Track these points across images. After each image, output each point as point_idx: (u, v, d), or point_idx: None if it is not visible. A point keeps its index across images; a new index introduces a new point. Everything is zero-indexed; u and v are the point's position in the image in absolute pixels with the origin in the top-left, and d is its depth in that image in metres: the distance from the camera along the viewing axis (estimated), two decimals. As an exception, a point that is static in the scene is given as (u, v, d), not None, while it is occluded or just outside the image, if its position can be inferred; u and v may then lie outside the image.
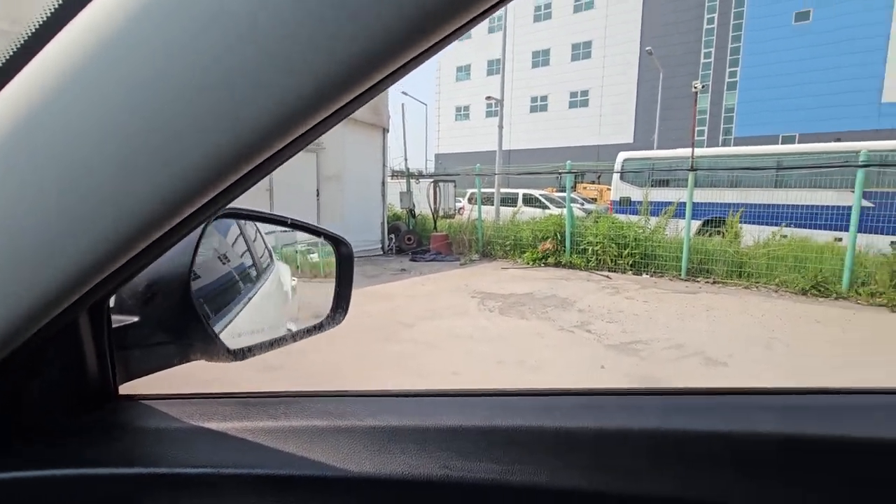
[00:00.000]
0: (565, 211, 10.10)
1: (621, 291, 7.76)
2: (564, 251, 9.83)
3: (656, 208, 9.61)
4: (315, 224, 0.83)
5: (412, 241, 11.52)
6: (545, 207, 14.08)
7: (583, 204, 15.67)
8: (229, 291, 0.81)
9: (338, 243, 0.82)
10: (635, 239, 9.12)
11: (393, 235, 11.85)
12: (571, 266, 9.57)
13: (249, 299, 0.86)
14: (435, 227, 12.11)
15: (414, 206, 12.29)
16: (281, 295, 1.06)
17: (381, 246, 11.72)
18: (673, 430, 0.49)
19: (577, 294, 7.49)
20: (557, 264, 9.79)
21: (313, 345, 1.24)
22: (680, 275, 8.61)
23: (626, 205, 12.47)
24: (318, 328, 0.83)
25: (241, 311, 0.81)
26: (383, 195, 11.87)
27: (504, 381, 4.17)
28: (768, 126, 32.28)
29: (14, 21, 5.21)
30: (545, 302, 7.03)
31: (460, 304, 6.89)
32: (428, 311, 6.38)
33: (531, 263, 9.94)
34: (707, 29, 37.79)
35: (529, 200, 15.07)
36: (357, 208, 10.89)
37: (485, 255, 11.02)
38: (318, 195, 10.15)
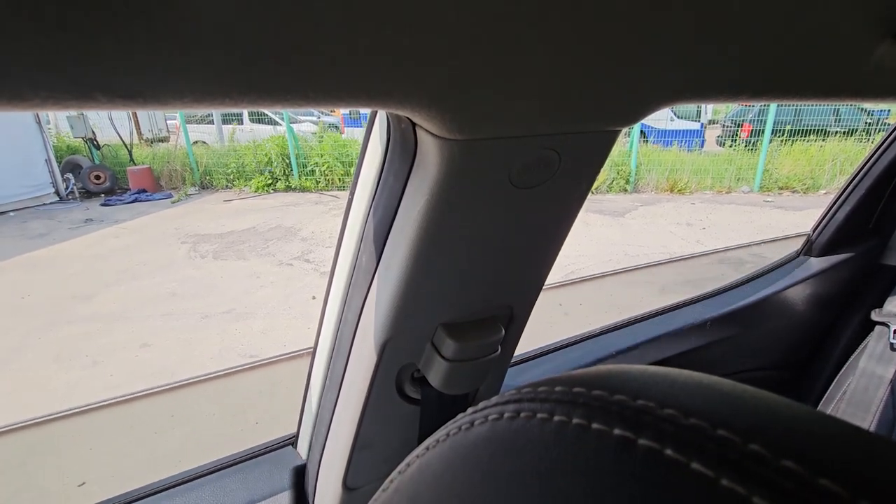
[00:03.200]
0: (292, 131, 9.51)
1: (347, 211, 8.03)
2: (293, 174, 9.44)
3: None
4: None
5: (102, 180, 9.23)
6: (275, 123, 13.00)
7: (319, 117, 15.04)
8: None
9: None
10: (358, 154, 9.35)
11: (71, 175, 9.23)
12: (302, 189, 9.32)
13: None
14: (132, 159, 9.90)
15: (94, 133, 9.66)
16: None
17: (55, 190, 9.04)
18: None
19: (303, 221, 7.41)
20: (288, 188, 9.39)
21: None
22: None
23: (356, 117, 12.55)
24: None
25: None
26: (38, 119, 8.89)
27: (208, 337, 3.91)
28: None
29: None
30: (268, 235, 6.74)
31: (166, 254, 6.01)
32: (119, 273, 5.37)
33: (259, 191, 9.26)
34: None
35: (261, 116, 13.60)
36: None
37: (205, 187, 9.72)
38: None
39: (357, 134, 11.37)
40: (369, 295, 0.51)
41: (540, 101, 0.38)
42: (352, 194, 0.52)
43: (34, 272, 5.47)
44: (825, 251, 1.23)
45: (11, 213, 8.03)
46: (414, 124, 0.40)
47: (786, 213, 7.64)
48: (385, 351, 0.51)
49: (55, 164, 9.06)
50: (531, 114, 0.38)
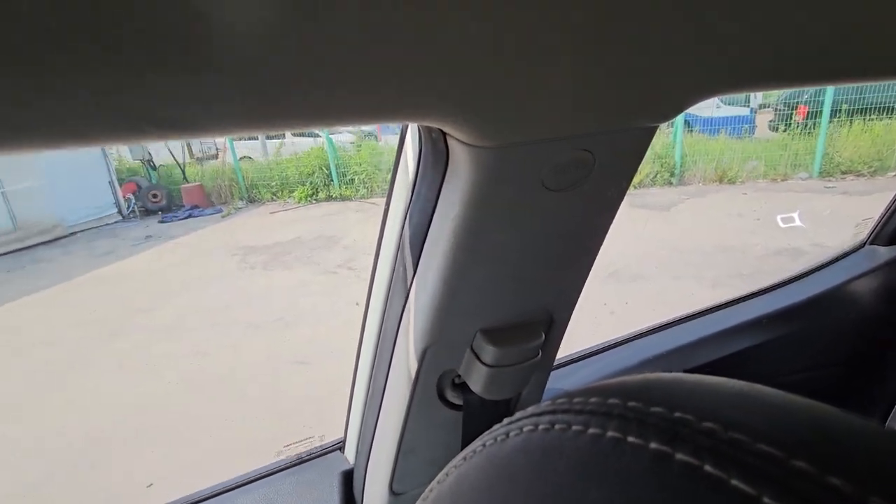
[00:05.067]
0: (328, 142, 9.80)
1: (387, 217, 8.15)
2: (334, 184, 9.70)
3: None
4: None
5: (159, 198, 9.83)
6: (315, 135, 13.44)
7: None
8: None
9: None
10: (396, 162, 9.51)
11: (132, 195, 9.89)
12: (342, 198, 9.55)
13: None
14: (185, 177, 10.48)
15: (150, 154, 10.31)
16: None
17: (118, 210, 9.71)
18: None
19: (345, 229, 7.59)
20: (329, 198, 9.65)
21: None
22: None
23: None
24: None
25: None
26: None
27: (258, 346, 4.07)
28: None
29: None
30: (312, 245, 6.95)
31: (218, 266, 6.32)
32: (176, 286, 5.69)
33: (302, 202, 9.58)
34: None
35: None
36: (64, 165, 8.62)
37: (251, 201, 10.15)
38: (-6, 161, 7.63)
39: (393, 141, 11.55)
40: (408, 302, 0.52)
41: (571, 101, 0.37)
42: (387, 204, 0.53)
43: (101, 288, 5.89)
44: (895, 239, 1.13)
45: (80, 234, 8.69)
46: (444, 133, 0.41)
47: (849, 198, 7.12)
48: (425, 357, 0.52)
49: (117, 186, 9.74)
50: (562, 115, 0.38)
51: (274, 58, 0.26)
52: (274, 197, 10.05)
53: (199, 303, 5.12)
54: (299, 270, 5.96)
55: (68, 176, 8.61)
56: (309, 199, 9.61)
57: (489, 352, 0.51)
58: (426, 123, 0.36)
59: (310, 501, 0.69)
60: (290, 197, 9.86)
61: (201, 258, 6.79)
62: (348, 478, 0.72)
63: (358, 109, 0.31)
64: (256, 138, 13.32)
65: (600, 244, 0.52)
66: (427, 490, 0.20)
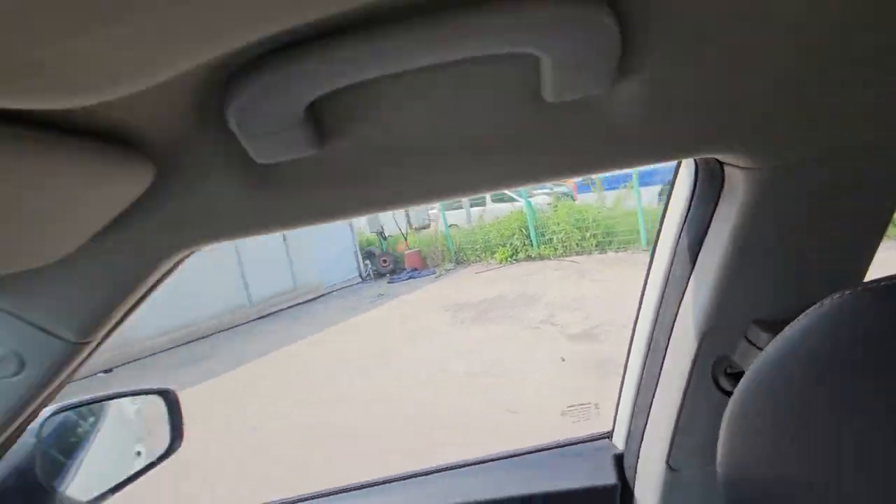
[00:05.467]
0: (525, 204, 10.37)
1: (586, 275, 8.03)
2: (532, 244, 10.10)
3: (617, 180, 9.81)
4: (133, 389, 1.06)
5: (388, 263, 11.73)
6: (512, 200, 14.31)
7: (552, 189, 15.89)
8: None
9: (162, 392, 1.06)
10: (594, 220, 9.42)
11: (368, 261, 12.06)
12: (541, 257, 9.83)
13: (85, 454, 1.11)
14: (406, 244, 12.33)
15: (382, 227, 12.49)
16: (122, 431, 1.29)
17: (358, 273, 11.93)
18: None
19: (544, 287, 7.74)
20: (528, 258, 10.05)
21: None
22: (643, 246, 8.90)
23: (587, 183, 12.76)
24: (163, 457, 1.07)
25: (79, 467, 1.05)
26: (350, 223, 12.09)
27: (470, 397, 4.40)
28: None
29: None
30: (514, 302, 7.27)
31: (434, 321, 7.08)
32: (401, 337, 6.58)
33: (503, 262, 10.19)
34: None
35: (499, 196, 15.26)
36: (325, 240, 11.10)
37: (459, 263, 11.26)
38: (284, 237, 10.37)
39: (589, 199, 11.48)
40: (683, 300, 0.62)
41: (835, 117, 0.44)
42: (662, 220, 0.66)
43: (352, 334, 7.22)
44: None
45: (335, 293, 10.90)
46: (720, 161, 0.52)
47: None
48: (702, 344, 0.60)
49: (359, 254, 12.04)
50: (826, 132, 0.45)
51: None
52: (478, 258, 10.97)
53: (420, 353, 5.81)
54: (504, 325, 6.28)
55: (326, 247, 11.06)
56: (509, 259, 10.18)
57: (764, 339, 0.57)
58: (708, 156, 0.48)
59: (585, 472, 0.80)
60: (492, 258, 10.61)
61: (421, 314, 7.75)
62: (619, 460, 0.81)
63: (655, 150, 0.44)
64: (461, 207, 14.92)
65: (883, 231, 0.53)
66: (781, 334, 0.31)
